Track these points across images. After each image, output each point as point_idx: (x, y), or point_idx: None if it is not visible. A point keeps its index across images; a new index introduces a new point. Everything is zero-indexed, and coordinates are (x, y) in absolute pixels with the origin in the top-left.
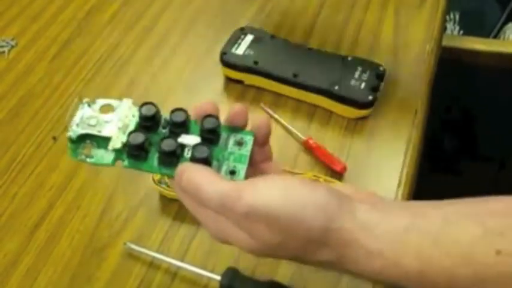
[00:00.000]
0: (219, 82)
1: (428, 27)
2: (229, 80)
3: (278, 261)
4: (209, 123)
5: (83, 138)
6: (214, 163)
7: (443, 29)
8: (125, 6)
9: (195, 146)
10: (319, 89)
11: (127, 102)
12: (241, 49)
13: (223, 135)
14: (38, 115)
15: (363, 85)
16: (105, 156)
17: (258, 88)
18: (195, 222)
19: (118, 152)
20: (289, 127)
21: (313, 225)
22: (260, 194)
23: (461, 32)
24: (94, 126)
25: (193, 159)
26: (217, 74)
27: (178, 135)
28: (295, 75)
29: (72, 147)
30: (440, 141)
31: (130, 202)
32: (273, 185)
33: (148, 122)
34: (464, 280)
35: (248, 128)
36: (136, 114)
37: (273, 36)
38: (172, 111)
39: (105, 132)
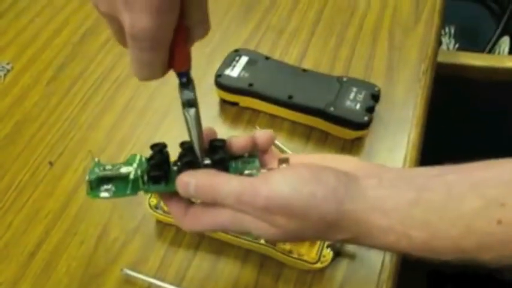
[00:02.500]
0: (214, 104)
1: (422, 47)
2: (224, 102)
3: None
4: (219, 155)
5: (101, 181)
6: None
7: (439, 45)
8: None
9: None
10: (314, 111)
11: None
12: (236, 71)
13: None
14: (34, 140)
15: (358, 106)
16: (124, 187)
17: (254, 110)
18: (192, 247)
19: (136, 181)
20: (285, 149)
21: (325, 211)
22: (274, 187)
23: (457, 45)
24: (111, 169)
25: (213, 162)
26: (213, 96)
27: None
28: (290, 97)
29: (92, 191)
30: (438, 160)
31: (126, 228)
32: (284, 177)
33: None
34: (469, 249)
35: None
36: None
37: (267, 58)
38: (182, 144)
39: (123, 170)
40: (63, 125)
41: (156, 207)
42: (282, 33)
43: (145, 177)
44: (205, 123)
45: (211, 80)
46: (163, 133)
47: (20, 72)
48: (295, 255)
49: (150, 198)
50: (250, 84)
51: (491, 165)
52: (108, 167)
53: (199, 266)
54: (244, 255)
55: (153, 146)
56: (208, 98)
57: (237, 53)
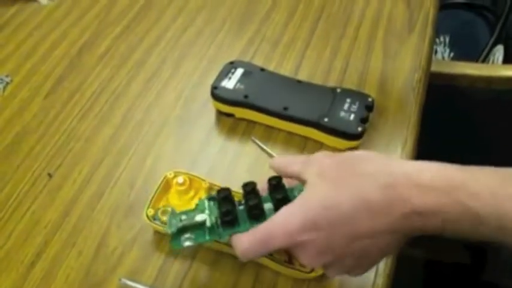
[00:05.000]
0: (211, 115)
1: (416, 57)
2: (220, 113)
3: None
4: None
5: (180, 231)
6: None
7: (433, 53)
8: (118, 41)
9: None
10: (309, 122)
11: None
12: (231, 83)
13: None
14: (34, 151)
15: (352, 117)
16: (203, 234)
17: (249, 121)
18: (189, 257)
19: (212, 227)
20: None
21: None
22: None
23: (452, 54)
24: (186, 219)
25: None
26: (209, 107)
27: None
28: (285, 108)
29: (175, 242)
30: None
31: (124, 238)
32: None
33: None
34: None
35: None
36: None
37: (262, 70)
38: (244, 185)
39: (198, 219)
40: (62, 137)
41: (154, 218)
42: (277, 44)
43: (219, 222)
44: (202, 135)
45: (207, 91)
46: (160, 145)
47: (19, 85)
48: (291, 265)
49: (147, 209)
50: (246, 96)
51: None
52: (184, 216)
53: (196, 276)
54: (240, 265)
55: (245, 186)
56: (205, 109)
57: (232, 65)
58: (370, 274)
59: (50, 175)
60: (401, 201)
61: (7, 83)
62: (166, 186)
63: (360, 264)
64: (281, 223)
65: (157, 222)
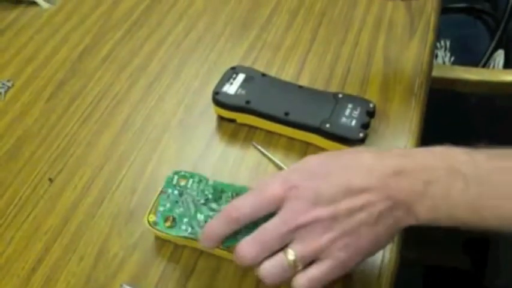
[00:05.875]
0: (212, 120)
1: (417, 61)
2: (222, 119)
3: None
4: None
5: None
6: None
7: (434, 58)
8: (119, 46)
9: None
10: (310, 127)
11: None
12: (232, 88)
13: None
14: (35, 156)
15: (353, 122)
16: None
17: (251, 126)
18: (190, 263)
19: None
20: (282, 165)
21: None
22: None
23: (453, 58)
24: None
25: None
26: (211, 113)
27: None
28: (286, 114)
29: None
30: None
31: (125, 244)
32: None
33: None
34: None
35: None
36: None
37: (264, 75)
38: None
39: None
40: (63, 142)
41: (155, 223)
42: (278, 50)
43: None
44: (203, 141)
45: (209, 96)
46: (162, 150)
47: (21, 89)
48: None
49: (148, 215)
50: (247, 102)
51: None
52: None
53: (197, 282)
54: (242, 270)
55: None
56: (206, 115)
57: (234, 70)
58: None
59: (50, 180)
60: (384, 166)
61: (8, 88)
62: None
63: (349, 245)
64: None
65: (158, 227)
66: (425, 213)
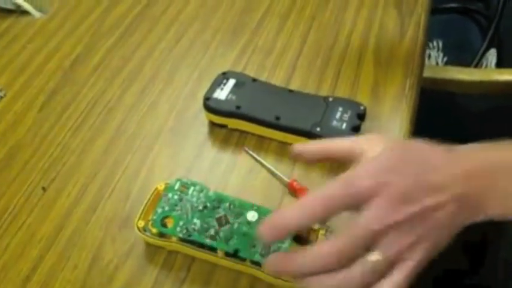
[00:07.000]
0: (203, 126)
1: (408, 63)
2: (213, 124)
3: None
4: None
5: None
6: None
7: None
8: (110, 53)
9: None
10: (301, 131)
11: None
12: (223, 94)
13: None
14: (28, 165)
15: (344, 126)
16: None
17: (242, 132)
18: (184, 269)
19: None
20: (273, 170)
21: None
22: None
23: (445, 58)
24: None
25: None
26: (202, 118)
27: None
28: (277, 118)
29: None
30: None
31: (119, 251)
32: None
33: None
34: None
35: None
36: None
37: (254, 80)
38: None
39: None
40: (56, 150)
41: (144, 229)
42: (269, 54)
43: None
44: (195, 147)
45: (200, 102)
46: (154, 156)
47: (13, 99)
48: (285, 277)
49: (138, 220)
50: (238, 107)
51: None
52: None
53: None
54: (235, 277)
55: None
56: (198, 120)
57: (224, 76)
58: None
59: (44, 189)
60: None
61: (1, 97)
62: (157, 198)
63: (431, 244)
64: (362, 165)
65: (148, 233)
66: (495, 208)
